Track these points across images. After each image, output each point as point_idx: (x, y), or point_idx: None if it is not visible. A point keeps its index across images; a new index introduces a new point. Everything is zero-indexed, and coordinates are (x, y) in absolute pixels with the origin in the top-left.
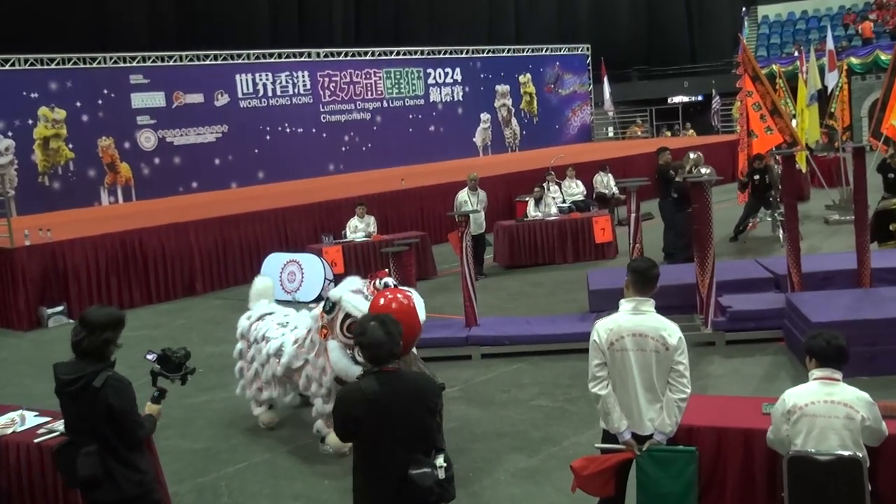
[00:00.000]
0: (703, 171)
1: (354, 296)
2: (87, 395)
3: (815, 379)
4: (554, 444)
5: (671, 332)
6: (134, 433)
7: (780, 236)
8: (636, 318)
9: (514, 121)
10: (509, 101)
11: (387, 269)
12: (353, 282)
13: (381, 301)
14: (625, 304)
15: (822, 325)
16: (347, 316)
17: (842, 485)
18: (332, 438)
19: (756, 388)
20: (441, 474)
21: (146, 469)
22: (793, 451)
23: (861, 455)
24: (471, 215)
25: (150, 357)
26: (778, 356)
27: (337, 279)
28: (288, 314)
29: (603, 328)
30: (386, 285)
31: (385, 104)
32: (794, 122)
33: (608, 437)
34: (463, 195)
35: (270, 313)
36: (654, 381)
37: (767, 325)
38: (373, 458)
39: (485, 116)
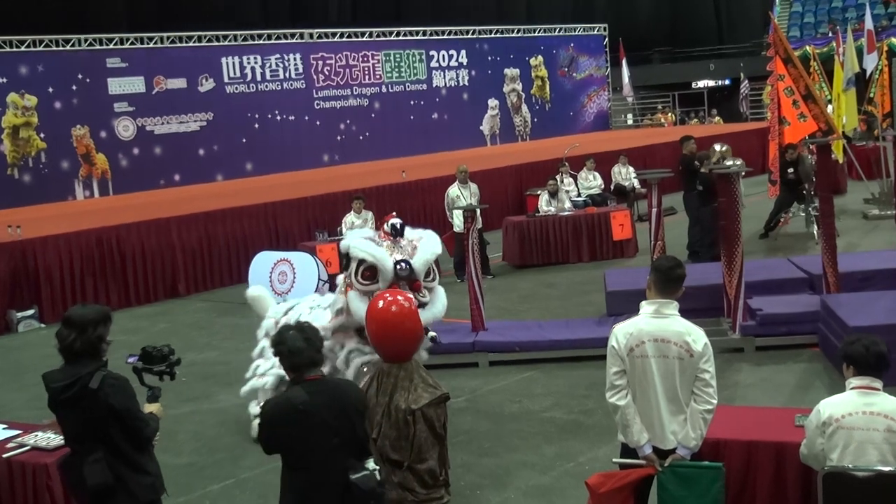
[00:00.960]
0: (731, 163)
1: (363, 241)
2: (85, 399)
3: (852, 388)
4: (569, 460)
5: (696, 337)
6: (140, 431)
7: (815, 233)
8: (658, 321)
9: (524, 107)
10: (519, 86)
11: (393, 212)
12: (363, 232)
13: (380, 303)
14: (646, 307)
15: (860, 330)
16: (361, 262)
17: None
18: None
19: (788, 399)
20: (378, 476)
21: (155, 472)
22: (828, 466)
23: None
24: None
25: (130, 360)
26: (812, 363)
27: (332, 279)
28: (317, 298)
29: (622, 332)
30: (393, 227)
31: (384, 89)
32: (829, 109)
33: (627, 451)
34: (454, 190)
35: (296, 304)
36: (678, 390)
37: (801, 329)
38: (309, 471)
39: (493, 103)
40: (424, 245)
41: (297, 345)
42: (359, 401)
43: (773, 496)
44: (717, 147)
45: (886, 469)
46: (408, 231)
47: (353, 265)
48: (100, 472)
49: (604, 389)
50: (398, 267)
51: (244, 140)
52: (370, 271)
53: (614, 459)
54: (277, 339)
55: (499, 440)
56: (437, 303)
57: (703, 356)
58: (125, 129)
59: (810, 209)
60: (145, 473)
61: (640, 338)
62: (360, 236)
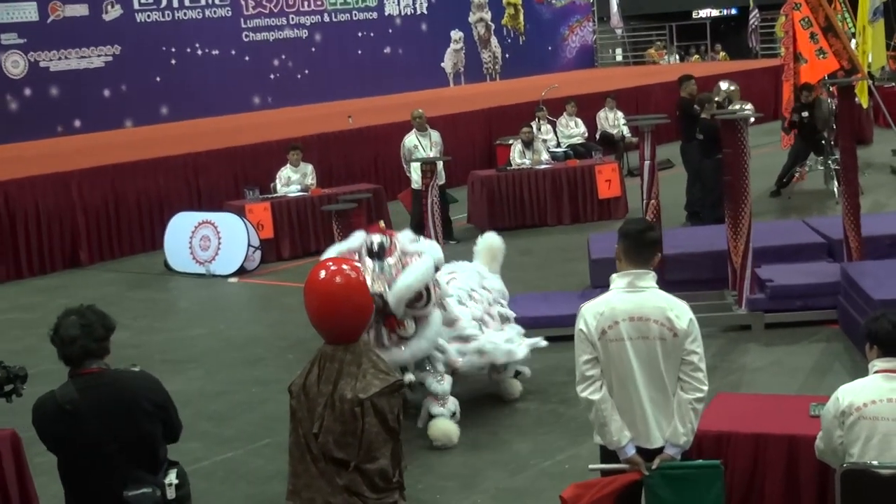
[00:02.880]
0: (738, 107)
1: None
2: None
3: (876, 372)
4: (546, 458)
5: (680, 312)
6: None
7: (835, 190)
8: (633, 296)
9: (493, 40)
10: (488, 15)
11: (380, 221)
12: (344, 245)
13: (322, 273)
14: (617, 280)
15: (887, 304)
16: None
17: None
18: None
19: (802, 385)
20: (171, 493)
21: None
22: (848, 462)
23: None
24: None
25: None
26: (831, 343)
27: (265, 245)
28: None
29: (591, 313)
30: (370, 251)
31: (326, 18)
32: (853, 44)
33: (607, 454)
34: (411, 139)
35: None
36: (663, 377)
37: (818, 303)
38: (84, 482)
39: (456, 35)
40: (410, 270)
41: (71, 333)
42: (150, 396)
43: (785, 497)
44: (723, 85)
45: None
46: (404, 241)
47: None
48: None
49: None
50: None
51: (158, 79)
52: None
53: (591, 466)
54: (53, 327)
55: (464, 435)
56: (423, 337)
57: (688, 335)
58: (14, 65)
59: (829, 162)
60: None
61: (614, 317)
62: (337, 252)
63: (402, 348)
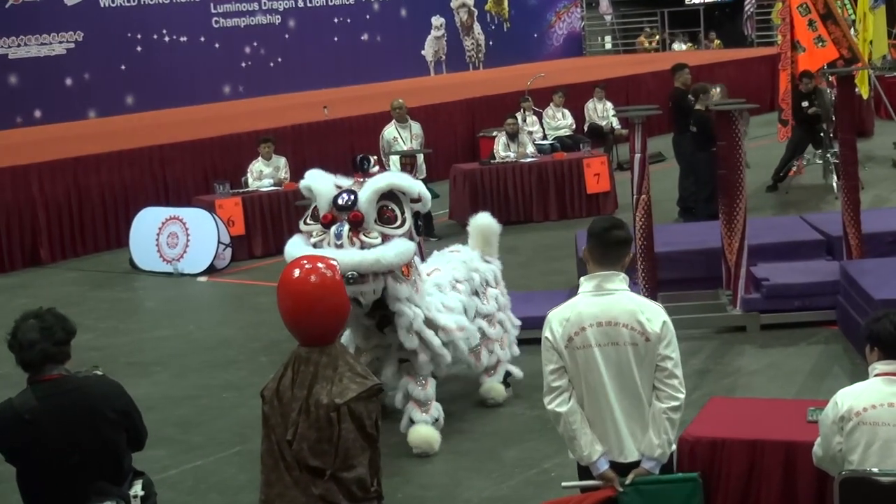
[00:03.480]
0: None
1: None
2: None
3: (876, 375)
4: (531, 466)
5: (651, 315)
6: None
7: (834, 185)
8: (601, 300)
9: (477, 27)
10: (471, 1)
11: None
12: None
13: (296, 272)
14: (584, 284)
15: (888, 304)
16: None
17: None
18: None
19: (800, 388)
20: None
21: None
22: (847, 470)
23: None
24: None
25: None
26: (829, 345)
27: (236, 242)
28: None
29: (556, 319)
30: (354, 161)
31: (301, 3)
32: (853, 32)
33: (583, 469)
34: (391, 131)
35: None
36: (637, 385)
37: (816, 303)
38: (45, 494)
39: (437, 21)
40: (384, 175)
41: (30, 337)
42: (113, 403)
43: None
44: (716, 89)
45: None
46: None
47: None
48: None
49: None
50: (339, 198)
51: (123, 67)
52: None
53: (564, 484)
54: (11, 331)
55: (445, 442)
56: (389, 247)
57: (662, 339)
58: None
59: (829, 155)
60: None
61: (580, 323)
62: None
63: (366, 251)
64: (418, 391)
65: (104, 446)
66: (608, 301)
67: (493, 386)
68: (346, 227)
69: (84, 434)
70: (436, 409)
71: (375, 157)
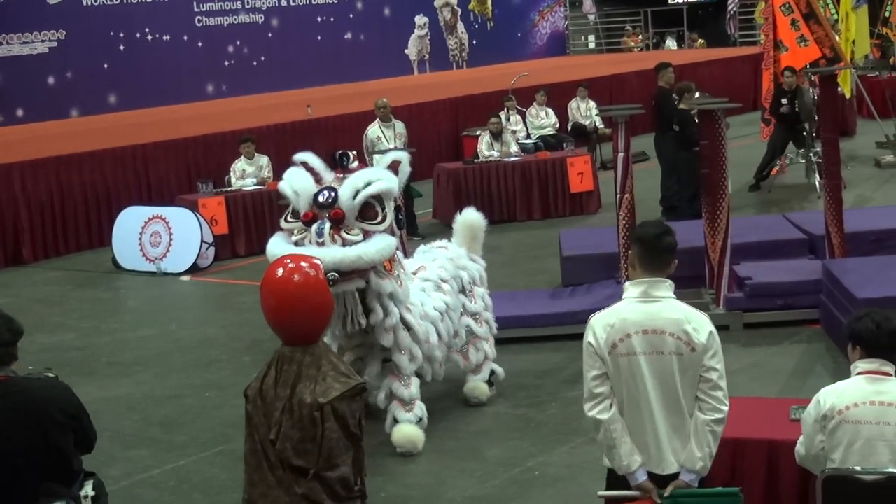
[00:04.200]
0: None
1: (294, 171)
2: None
3: (859, 373)
4: (515, 466)
5: (698, 325)
6: None
7: (817, 184)
8: (647, 307)
9: (460, 26)
10: (454, 0)
11: None
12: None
13: (279, 271)
14: (630, 289)
15: (871, 303)
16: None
17: None
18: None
19: (783, 387)
20: None
21: None
22: (829, 468)
23: None
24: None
25: None
26: (812, 344)
27: (219, 241)
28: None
29: (600, 325)
30: (332, 156)
31: (284, 2)
32: (835, 31)
33: (615, 479)
34: (374, 130)
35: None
36: (680, 396)
37: (799, 302)
38: None
39: (420, 20)
40: (364, 173)
41: None
42: (60, 406)
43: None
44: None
45: None
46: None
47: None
48: None
49: (560, 377)
50: (320, 196)
51: (106, 66)
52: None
53: (600, 493)
54: None
55: (429, 441)
56: (371, 244)
57: (708, 350)
58: None
59: (811, 154)
60: None
61: (625, 330)
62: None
63: (349, 247)
64: (402, 390)
65: (51, 448)
66: (654, 308)
67: (478, 385)
68: (328, 224)
69: (30, 436)
70: (420, 409)
71: (355, 153)
